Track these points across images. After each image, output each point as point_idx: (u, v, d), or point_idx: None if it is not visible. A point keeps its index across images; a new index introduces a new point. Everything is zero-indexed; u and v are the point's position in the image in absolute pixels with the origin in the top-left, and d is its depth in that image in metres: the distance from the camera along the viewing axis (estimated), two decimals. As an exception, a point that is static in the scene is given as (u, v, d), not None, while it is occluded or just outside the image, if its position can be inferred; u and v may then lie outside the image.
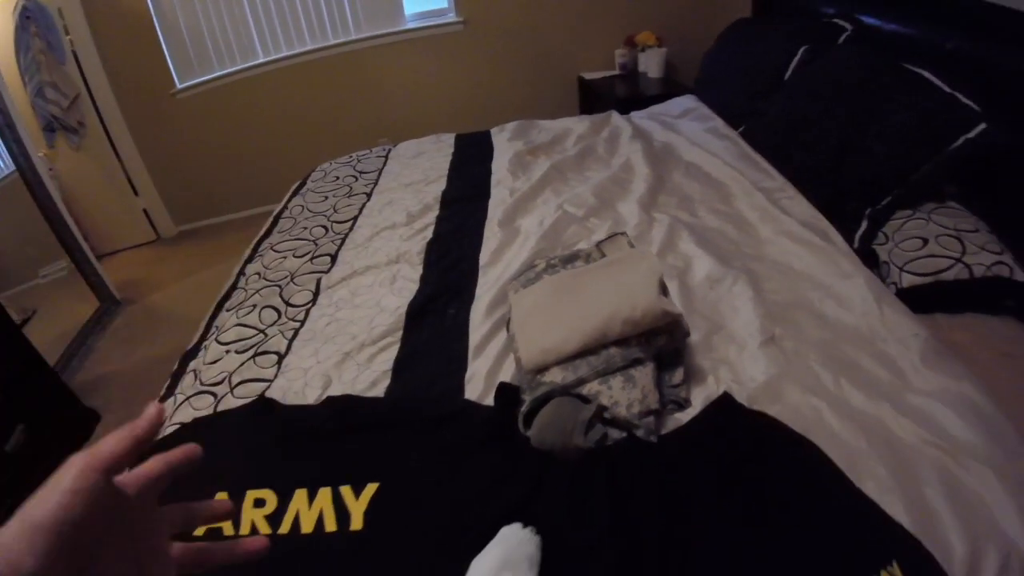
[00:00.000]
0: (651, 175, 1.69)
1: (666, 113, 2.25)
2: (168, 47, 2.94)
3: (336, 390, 1.10)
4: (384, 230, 1.66)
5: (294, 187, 2.12)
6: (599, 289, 1.03)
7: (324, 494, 0.87)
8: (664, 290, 1.03)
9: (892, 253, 1.21)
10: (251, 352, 1.25)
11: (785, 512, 0.75)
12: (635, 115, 2.26)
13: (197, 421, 1.08)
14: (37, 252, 2.56)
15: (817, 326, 1.08)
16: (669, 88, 2.80)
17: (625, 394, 0.90)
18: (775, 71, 1.83)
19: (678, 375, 0.98)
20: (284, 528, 0.84)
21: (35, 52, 2.74)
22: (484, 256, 1.46)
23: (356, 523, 0.83)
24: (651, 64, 2.96)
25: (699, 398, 0.96)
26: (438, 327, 1.24)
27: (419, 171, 2.02)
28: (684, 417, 0.93)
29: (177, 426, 1.08)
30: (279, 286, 1.48)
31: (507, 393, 0.97)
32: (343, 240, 1.66)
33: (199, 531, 0.75)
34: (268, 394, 1.11)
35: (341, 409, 1.03)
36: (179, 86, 3.01)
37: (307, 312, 1.37)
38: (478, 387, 1.05)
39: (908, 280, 1.16)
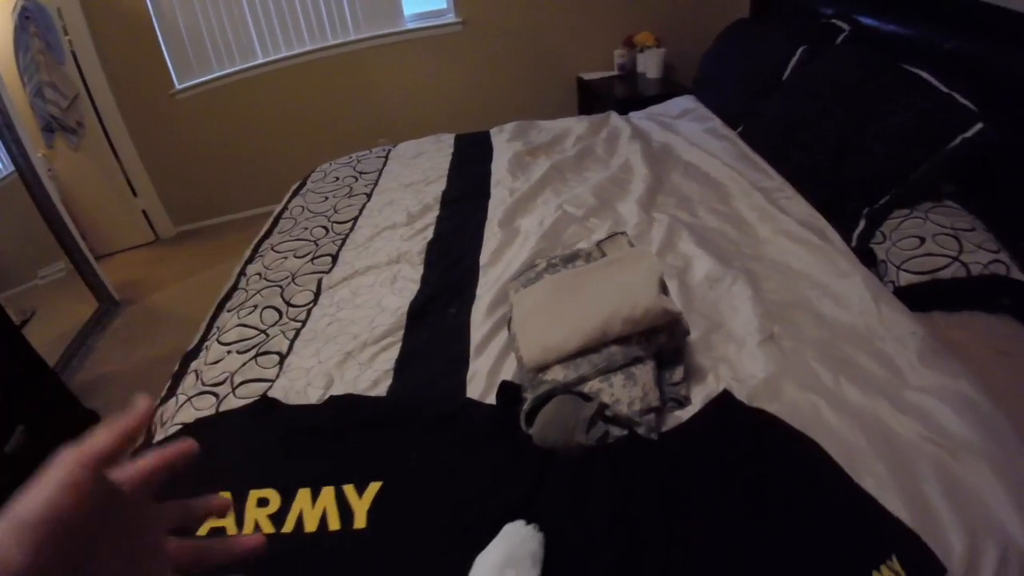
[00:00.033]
0: (650, 175, 1.70)
1: (665, 113, 2.26)
2: (167, 47, 2.94)
3: (338, 390, 1.10)
4: (385, 230, 1.66)
5: (294, 187, 2.13)
6: (600, 288, 1.03)
7: (327, 493, 0.88)
8: (664, 289, 1.04)
9: (890, 252, 1.22)
10: (253, 352, 1.25)
11: (785, 508, 0.76)
12: (634, 115, 2.27)
13: (199, 421, 1.08)
14: (36, 253, 2.56)
15: (815, 324, 1.08)
16: (668, 88, 2.80)
17: (626, 392, 0.90)
18: (773, 71, 1.84)
19: (678, 373, 0.99)
20: (287, 527, 0.85)
21: (34, 52, 2.73)
22: (484, 256, 1.47)
23: (359, 522, 0.84)
24: (650, 65, 2.97)
25: (699, 396, 0.97)
26: (439, 327, 1.25)
27: (419, 171, 2.02)
28: (684, 415, 0.94)
29: (179, 426, 1.08)
30: (280, 286, 1.49)
31: (509, 391, 0.98)
32: (344, 240, 1.66)
33: (202, 531, 0.76)
34: (270, 394, 1.11)
35: (343, 408, 1.04)
36: (178, 86, 3.01)
37: (308, 312, 1.37)
38: (480, 386, 1.06)
39: (905, 279, 1.16)
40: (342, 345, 1.22)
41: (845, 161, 1.39)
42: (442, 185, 1.90)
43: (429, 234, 1.61)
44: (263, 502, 0.88)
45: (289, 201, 2.01)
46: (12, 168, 2.39)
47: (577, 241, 1.44)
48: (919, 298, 1.14)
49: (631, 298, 0.96)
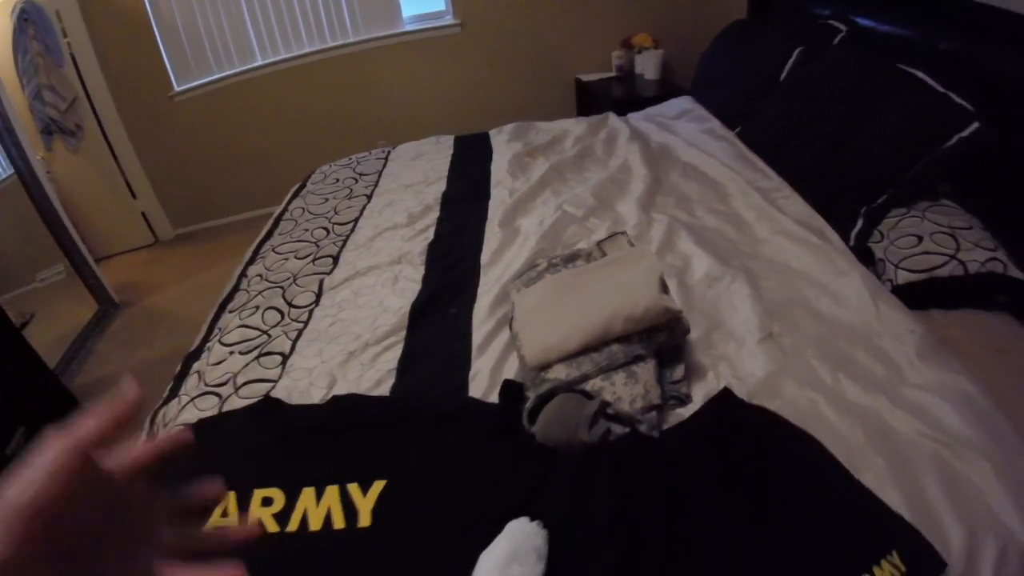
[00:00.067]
0: (649, 176, 1.70)
1: (663, 114, 2.27)
2: (166, 50, 2.94)
3: (341, 389, 1.11)
4: (385, 231, 1.67)
5: (294, 189, 2.13)
6: (600, 287, 1.04)
7: (332, 492, 0.88)
8: (664, 288, 1.05)
9: (887, 250, 1.23)
10: (255, 353, 1.26)
11: (786, 504, 0.77)
12: (632, 116, 2.27)
13: (202, 422, 1.09)
14: (35, 255, 2.56)
15: (814, 323, 1.09)
16: (666, 89, 2.81)
17: (627, 390, 0.91)
18: (771, 72, 1.85)
19: (679, 371, 1.00)
20: (292, 526, 0.85)
21: (33, 54, 2.73)
22: (485, 256, 1.47)
23: (364, 520, 0.84)
24: (648, 66, 2.98)
25: (699, 394, 0.98)
26: (441, 326, 1.25)
27: (419, 172, 2.03)
28: (685, 412, 0.94)
29: (182, 427, 1.09)
30: (281, 287, 1.49)
31: (512, 390, 0.98)
32: (345, 241, 1.66)
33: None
34: (273, 394, 1.12)
35: (347, 408, 1.04)
36: (177, 89, 3.02)
37: (310, 313, 1.37)
38: (482, 385, 1.07)
39: (903, 277, 1.17)
40: (344, 345, 1.22)
41: (842, 161, 1.40)
42: (442, 186, 1.90)
43: (430, 234, 1.62)
44: (267, 501, 0.88)
45: (289, 203, 2.02)
46: (11, 171, 2.39)
47: (577, 241, 1.45)
48: (917, 296, 1.15)
49: (632, 297, 0.97)
